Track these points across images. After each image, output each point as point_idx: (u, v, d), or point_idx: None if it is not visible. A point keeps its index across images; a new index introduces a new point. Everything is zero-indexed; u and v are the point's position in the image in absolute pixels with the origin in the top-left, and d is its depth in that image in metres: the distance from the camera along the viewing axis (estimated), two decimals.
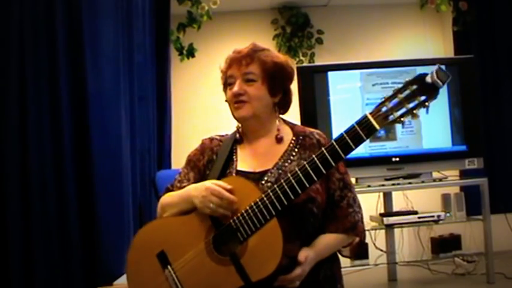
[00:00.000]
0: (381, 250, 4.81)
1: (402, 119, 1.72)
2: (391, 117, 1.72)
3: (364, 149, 4.53)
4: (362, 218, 2.08)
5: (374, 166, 4.43)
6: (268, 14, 6.29)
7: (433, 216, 4.50)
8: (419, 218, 4.50)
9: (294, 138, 2.08)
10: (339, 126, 4.52)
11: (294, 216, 1.88)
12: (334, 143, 1.77)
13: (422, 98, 1.70)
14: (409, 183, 4.53)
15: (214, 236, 1.89)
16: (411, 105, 1.71)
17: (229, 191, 1.86)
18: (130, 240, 1.90)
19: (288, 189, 1.80)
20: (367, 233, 4.36)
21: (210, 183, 1.90)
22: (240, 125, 2.14)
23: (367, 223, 4.55)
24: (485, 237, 4.45)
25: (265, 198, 1.82)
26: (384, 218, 4.47)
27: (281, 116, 2.16)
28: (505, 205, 5.31)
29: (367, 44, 6.28)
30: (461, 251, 4.94)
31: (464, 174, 5.07)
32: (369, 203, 4.65)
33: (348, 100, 4.69)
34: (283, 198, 1.80)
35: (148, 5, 4.47)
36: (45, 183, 3.16)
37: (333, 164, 1.79)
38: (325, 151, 1.78)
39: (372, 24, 6.38)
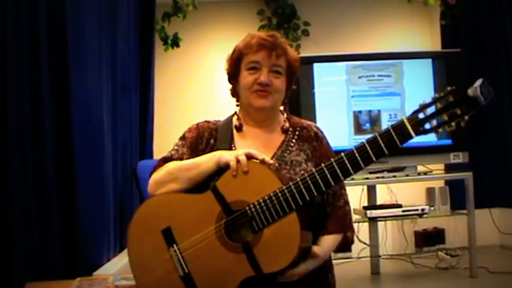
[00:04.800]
0: (364, 243, 4.80)
1: (439, 129, 1.69)
2: (427, 126, 1.69)
3: (348, 142, 4.51)
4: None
5: None
6: (254, 4, 6.24)
7: (417, 210, 4.50)
8: (403, 211, 4.50)
9: (291, 129, 2.08)
10: (323, 119, 4.49)
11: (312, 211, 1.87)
12: (366, 145, 1.75)
13: (461, 110, 1.67)
14: (394, 176, 4.52)
15: (226, 221, 1.83)
16: (449, 116, 1.68)
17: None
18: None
19: (311, 185, 1.78)
20: None
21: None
22: (238, 112, 2.12)
23: None
24: (469, 232, 4.46)
25: (286, 191, 1.78)
26: (368, 211, 4.46)
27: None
28: (489, 200, 5.35)
29: (353, 36, 6.27)
30: (444, 245, 4.96)
31: (449, 168, 5.08)
32: (353, 196, 4.59)
33: (333, 93, 4.66)
34: (305, 193, 1.78)
35: None
36: (26, 173, 3.10)
37: (363, 166, 1.76)
38: (355, 152, 1.76)
39: (359, 17, 6.36)
